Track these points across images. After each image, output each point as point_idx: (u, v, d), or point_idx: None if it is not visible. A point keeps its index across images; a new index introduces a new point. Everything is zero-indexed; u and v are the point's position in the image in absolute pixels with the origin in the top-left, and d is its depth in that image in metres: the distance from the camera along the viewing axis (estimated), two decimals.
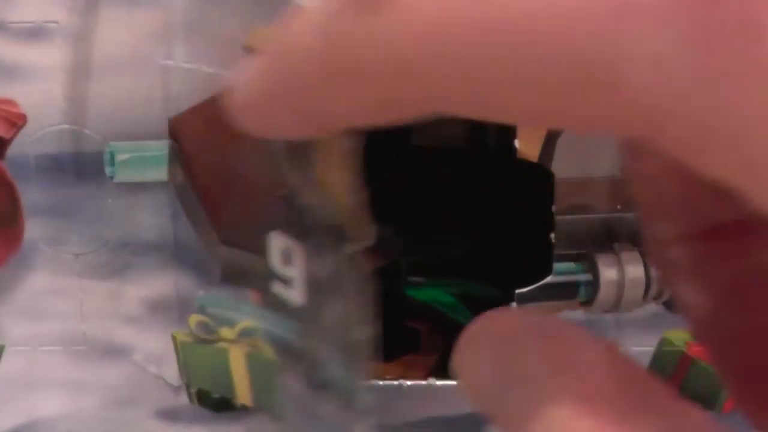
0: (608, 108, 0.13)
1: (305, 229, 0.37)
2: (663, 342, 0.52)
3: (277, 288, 0.42)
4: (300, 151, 0.35)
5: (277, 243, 0.41)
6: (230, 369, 0.47)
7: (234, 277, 0.44)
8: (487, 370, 0.15)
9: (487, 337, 0.15)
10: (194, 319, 0.48)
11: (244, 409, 0.48)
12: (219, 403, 0.50)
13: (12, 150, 0.48)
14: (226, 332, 0.47)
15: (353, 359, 0.35)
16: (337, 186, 0.33)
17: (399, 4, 0.15)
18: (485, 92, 0.14)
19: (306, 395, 0.40)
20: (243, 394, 0.47)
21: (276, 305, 0.44)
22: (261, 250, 0.43)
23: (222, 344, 0.47)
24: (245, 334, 0.46)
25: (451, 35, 0.14)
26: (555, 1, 0.13)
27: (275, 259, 0.42)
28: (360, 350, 0.34)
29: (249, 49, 0.37)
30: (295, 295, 0.39)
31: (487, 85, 0.14)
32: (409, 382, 0.42)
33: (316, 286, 0.37)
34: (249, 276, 0.43)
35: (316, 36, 0.16)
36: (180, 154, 0.46)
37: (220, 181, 0.44)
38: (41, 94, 0.48)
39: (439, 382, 0.42)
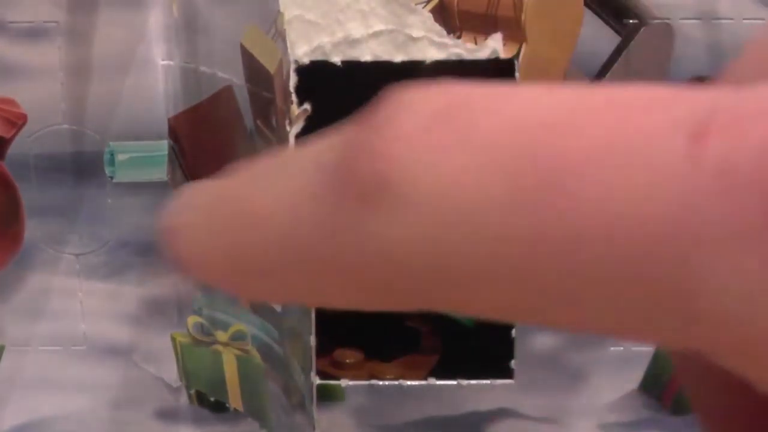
0: (677, 330, 0.12)
1: None
2: None
3: None
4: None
5: None
6: (224, 372, 0.47)
7: None
8: None
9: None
10: (192, 320, 0.48)
11: (236, 413, 0.48)
12: (217, 404, 0.50)
13: (12, 150, 0.48)
14: (220, 335, 0.47)
15: (306, 366, 0.35)
16: None
17: (409, 203, 0.13)
18: (523, 303, 0.13)
19: (284, 400, 0.40)
20: (234, 398, 0.47)
21: (262, 310, 0.44)
22: None
23: (217, 347, 0.47)
24: (236, 338, 0.46)
25: (496, 248, 0.13)
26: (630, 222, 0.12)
27: None
28: (307, 357, 0.34)
29: (244, 49, 0.37)
30: None
31: (532, 297, 0.13)
32: (409, 382, 0.42)
33: None
34: None
35: (310, 226, 0.14)
36: (179, 154, 0.46)
37: None
38: (41, 94, 0.48)
39: (439, 382, 0.42)
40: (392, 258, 0.13)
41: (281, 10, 0.35)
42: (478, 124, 0.13)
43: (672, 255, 0.11)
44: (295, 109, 0.31)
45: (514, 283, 0.13)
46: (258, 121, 0.37)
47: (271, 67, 0.34)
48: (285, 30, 0.34)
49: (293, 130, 0.31)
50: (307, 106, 0.31)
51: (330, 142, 0.14)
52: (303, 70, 0.33)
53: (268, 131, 0.36)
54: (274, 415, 0.45)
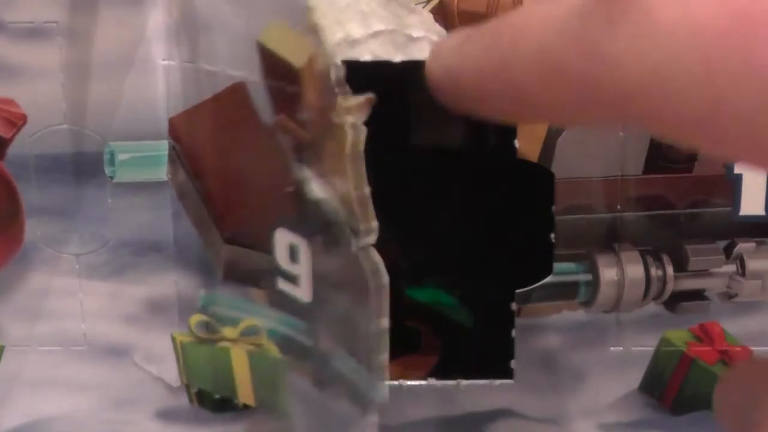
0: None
1: (312, 225, 0.37)
2: (663, 342, 0.52)
3: (283, 285, 0.42)
4: (310, 147, 0.35)
5: (283, 240, 0.41)
6: (232, 369, 0.47)
7: (237, 276, 0.44)
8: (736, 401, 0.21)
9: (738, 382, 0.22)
10: (195, 319, 0.48)
11: (245, 410, 0.48)
12: (219, 404, 0.50)
13: (12, 150, 0.48)
14: (228, 332, 0.47)
15: (368, 353, 0.35)
16: (347, 180, 0.33)
17: (650, 16, 0.16)
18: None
19: (313, 392, 0.40)
20: (245, 394, 0.47)
21: (282, 303, 0.44)
22: (267, 248, 0.43)
23: (224, 344, 0.47)
24: (248, 333, 0.46)
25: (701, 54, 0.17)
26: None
27: (281, 256, 0.42)
28: (374, 343, 0.34)
29: (262, 46, 0.37)
30: (301, 292, 0.39)
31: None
32: (409, 382, 0.42)
33: (322, 283, 0.37)
34: (253, 274, 0.43)
35: (565, 40, 0.17)
36: (181, 154, 0.46)
37: (223, 180, 0.44)
38: (41, 94, 0.48)
39: (439, 382, 0.41)
40: (620, 68, 0.17)
41: (310, 5, 0.35)
42: None
43: None
44: (352, 99, 0.31)
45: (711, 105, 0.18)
46: (280, 116, 0.37)
47: (298, 61, 0.34)
48: (317, 24, 0.34)
49: (355, 120, 0.31)
50: (370, 94, 0.31)
51: None
52: (350, 62, 0.32)
53: (294, 125, 0.36)
54: (292, 406, 0.45)
